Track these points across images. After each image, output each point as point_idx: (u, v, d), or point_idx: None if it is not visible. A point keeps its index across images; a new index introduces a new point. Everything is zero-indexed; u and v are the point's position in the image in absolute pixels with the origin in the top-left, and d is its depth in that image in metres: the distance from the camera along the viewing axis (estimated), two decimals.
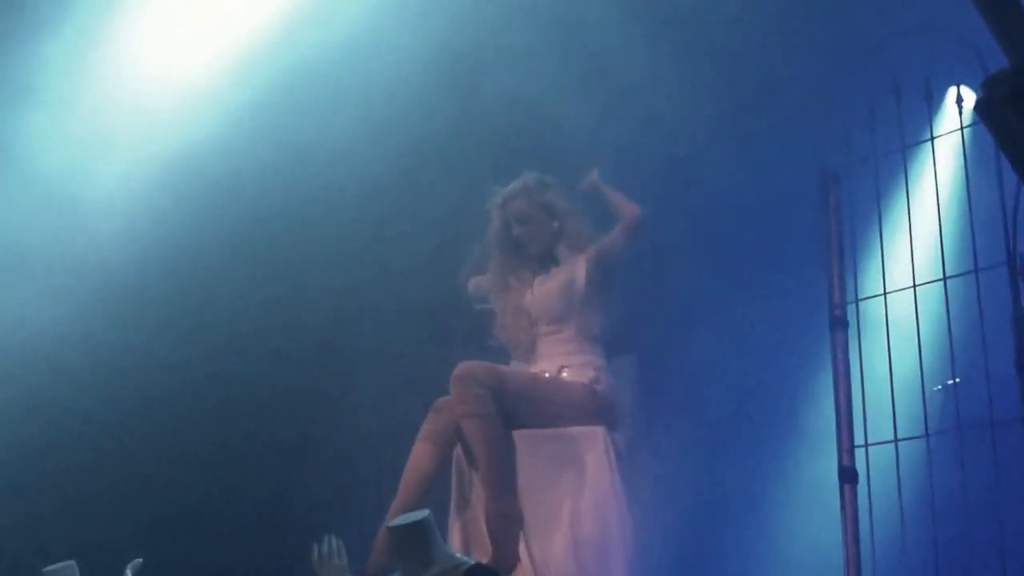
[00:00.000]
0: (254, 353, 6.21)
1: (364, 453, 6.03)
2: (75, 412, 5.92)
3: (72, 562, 4.84)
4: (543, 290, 5.69)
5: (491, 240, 5.81)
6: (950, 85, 5.62)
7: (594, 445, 5.33)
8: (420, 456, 5.31)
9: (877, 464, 5.20)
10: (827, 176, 5.60)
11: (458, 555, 4.33)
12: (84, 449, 5.93)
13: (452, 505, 5.38)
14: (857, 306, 5.42)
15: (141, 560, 4.87)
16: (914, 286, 5.27)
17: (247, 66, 6.18)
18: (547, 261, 5.78)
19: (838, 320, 5.40)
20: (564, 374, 5.52)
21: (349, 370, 6.33)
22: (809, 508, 5.96)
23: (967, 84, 5.46)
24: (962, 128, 5.34)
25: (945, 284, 5.21)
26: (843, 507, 5.17)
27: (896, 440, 5.15)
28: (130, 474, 5.94)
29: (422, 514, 4.29)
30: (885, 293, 5.34)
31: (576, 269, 5.66)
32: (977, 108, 3.02)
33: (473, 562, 4.24)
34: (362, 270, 6.28)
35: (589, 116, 6.14)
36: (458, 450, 5.37)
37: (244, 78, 6.16)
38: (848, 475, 5.20)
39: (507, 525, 5.17)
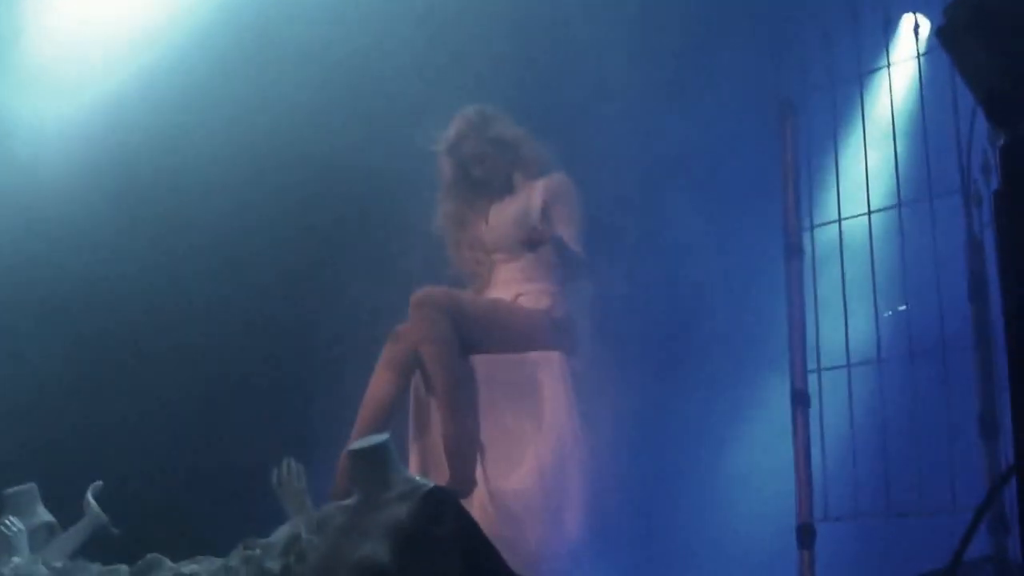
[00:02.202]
0: (216, 283, 6.20)
1: (324, 381, 6.03)
2: (40, 354, 5.92)
3: (33, 484, 4.85)
4: (498, 219, 5.68)
5: (445, 182, 5.77)
6: (905, 12, 5.64)
7: (551, 370, 5.35)
8: (380, 383, 5.32)
9: (829, 388, 5.27)
10: (783, 103, 5.62)
11: (417, 478, 4.35)
12: (52, 385, 5.91)
13: (411, 431, 5.40)
14: (812, 233, 5.47)
15: (101, 483, 4.89)
16: (868, 213, 5.32)
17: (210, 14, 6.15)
18: (503, 190, 5.76)
19: (793, 247, 5.45)
20: (520, 300, 5.53)
21: (309, 300, 6.32)
22: (762, 431, 6.03)
23: (922, 12, 5.49)
24: (919, 56, 5.37)
25: (900, 211, 5.26)
26: (795, 430, 5.24)
27: (848, 365, 5.22)
28: (92, 395, 5.94)
29: (381, 438, 4.30)
30: (840, 220, 5.39)
31: (531, 198, 5.63)
32: (938, 34, 3.05)
33: (432, 485, 4.26)
34: (323, 212, 6.27)
35: (545, 55, 6.14)
36: (416, 376, 5.39)
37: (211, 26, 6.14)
38: (801, 398, 5.26)
39: (464, 449, 5.20)
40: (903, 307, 5.54)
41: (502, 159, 5.68)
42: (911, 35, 5.46)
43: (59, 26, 6.09)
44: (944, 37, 2.96)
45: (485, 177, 5.70)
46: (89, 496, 4.81)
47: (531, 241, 5.29)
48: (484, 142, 5.67)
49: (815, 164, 5.60)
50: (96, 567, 4.48)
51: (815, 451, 5.21)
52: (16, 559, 4.43)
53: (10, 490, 4.78)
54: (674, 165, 6.18)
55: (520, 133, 5.71)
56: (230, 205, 6.13)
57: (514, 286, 5.56)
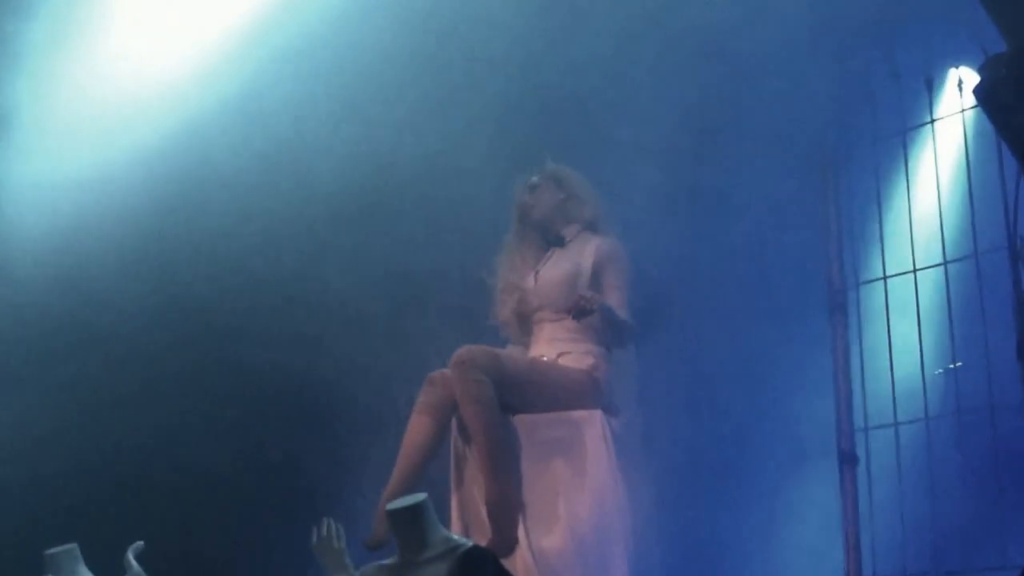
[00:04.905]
0: (249, 336, 6.22)
1: (363, 427, 6.03)
2: (75, 396, 5.94)
3: (74, 544, 4.85)
4: (548, 278, 5.65)
5: (510, 237, 5.81)
6: (951, 68, 5.62)
7: (592, 429, 5.31)
8: (417, 429, 5.30)
9: (877, 448, 5.22)
10: (827, 160, 5.61)
11: (455, 536, 4.32)
12: (86, 434, 5.93)
13: (452, 483, 5.37)
14: (858, 290, 5.44)
15: (142, 543, 4.89)
16: (914, 270, 5.29)
17: (228, 55, 6.19)
18: (552, 239, 5.74)
19: (838, 304, 5.42)
20: (563, 360, 5.50)
21: (346, 347, 6.33)
22: (809, 492, 5.96)
23: (968, 67, 5.46)
24: (963, 111, 5.34)
25: (946, 268, 5.23)
26: (843, 490, 5.19)
27: (896, 423, 5.17)
28: (131, 456, 5.96)
29: (419, 497, 4.28)
30: (885, 277, 5.36)
31: (583, 260, 5.61)
32: (976, 91, 3.03)
33: (470, 544, 4.23)
34: (360, 255, 6.29)
35: (589, 105, 6.14)
36: (455, 433, 5.37)
37: (226, 67, 6.17)
38: (848, 459, 5.22)
39: (506, 510, 5.15)
40: (954, 365, 5.47)
41: (552, 194, 5.67)
42: (956, 91, 5.44)
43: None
44: (981, 93, 2.94)
45: (530, 204, 5.69)
46: (130, 556, 4.80)
47: (578, 309, 5.25)
48: (544, 176, 5.70)
49: (860, 222, 5.58)
50: None
51: (863, 510, 5.16)
52: None
53: (52, 550, 4.78)
54: (714, 224, 6.15)
55: (586, 193, 5.70)
56: (269, 265, 6.17)
57: (558, 345, 5.53)
